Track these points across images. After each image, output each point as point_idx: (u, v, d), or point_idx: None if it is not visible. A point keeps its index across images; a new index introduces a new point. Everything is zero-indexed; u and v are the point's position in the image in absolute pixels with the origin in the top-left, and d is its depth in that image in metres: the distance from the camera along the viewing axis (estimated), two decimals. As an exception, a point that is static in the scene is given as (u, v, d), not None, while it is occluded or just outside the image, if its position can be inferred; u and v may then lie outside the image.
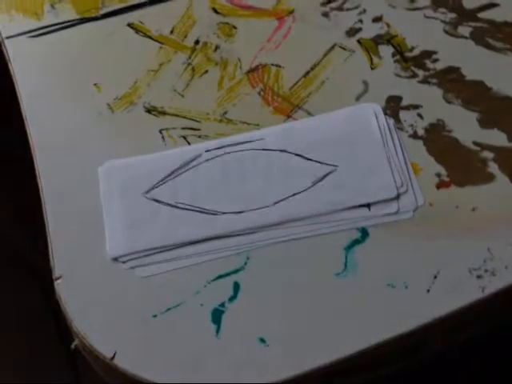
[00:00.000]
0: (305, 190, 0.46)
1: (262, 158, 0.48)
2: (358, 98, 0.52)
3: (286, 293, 0.43)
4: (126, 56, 0.56)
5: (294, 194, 0.46)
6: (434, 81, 0.52)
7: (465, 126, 0.50)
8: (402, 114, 0.51)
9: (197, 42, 0.56)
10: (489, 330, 0.51)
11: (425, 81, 0.52)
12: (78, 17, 0.58)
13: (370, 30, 0.56)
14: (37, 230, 0.47)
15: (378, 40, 0.55)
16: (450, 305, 0.42)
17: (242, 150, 0.49)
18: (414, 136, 0.50)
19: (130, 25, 0.58)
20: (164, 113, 0.52)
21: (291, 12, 0.58)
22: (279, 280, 0.44)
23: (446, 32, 0.55)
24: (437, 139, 0.49)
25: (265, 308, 0.43)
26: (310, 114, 0.51)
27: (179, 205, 0.46)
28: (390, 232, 0.45)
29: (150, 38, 0.57)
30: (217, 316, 0.43)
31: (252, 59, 0.55)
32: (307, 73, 0.54)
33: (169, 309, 0.43)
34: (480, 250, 0.44)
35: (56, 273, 0.45)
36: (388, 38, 0.55)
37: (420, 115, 0.51)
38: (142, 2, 0.59)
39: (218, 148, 0.49)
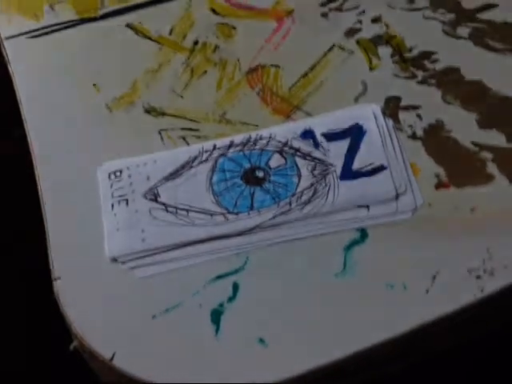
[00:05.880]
0: (304, 190, 0.46)
1: (262, 157, 0.48)
2: (356, 99, 0.52)
3: (285, 293, 0.43)
4: (125, 57, 0.56)
5: (294, 194, 0.46)
6: (433, 81, 0.52)
7: (464, 127, 0.50)
8: (401, 115, 0.51)
9: (196, 43, 0.56)
10: (488, 330, 0.51)
11: (424, 81, 0.53)
12: (77, 17, 0.58)
13: (368, 31, 0.56)
14: (36, 230, 0.47)
15: (376, 40, 0.55)
16: (448, 305, 0.42)
17: (241, 151, 0.49)
18: (413, 137, 0.50)
19: (129, 25, 0.58)
20: (163, 113, 0.52)
21: (290, 12, 0.58)
22: (278, 280, 0.44)
23: (445, 32, 0.55)
24: (436, 140, 0.49)
25: (264, 308, 0.43)
26: (308, 114, 0.51)
27: (178, 205, 0.46)
28: (388, 232, 0.45)
29: (149, 38, 0.57)
30: (216, 316, 0.43)
31: (251, 60, 0.55)
32: (306, 73, 0.54)
33: (168, 309, 0.43)
34: (479, 251, 0.44)
35: (55, 273, 0.45)
36: (387, 39, 0.55)
37: (419, 116, 0.51)
38: (141, 2, 0.59)
39: (217, 148, 0.49)
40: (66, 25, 0.58)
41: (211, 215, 0.46)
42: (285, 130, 0.50)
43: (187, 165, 0.48)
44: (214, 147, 0.49)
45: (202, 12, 0.58)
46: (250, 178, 0.47)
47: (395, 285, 0.43)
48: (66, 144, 0.51)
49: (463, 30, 0.55)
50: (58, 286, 0.44)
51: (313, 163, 0.48)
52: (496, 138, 0.49)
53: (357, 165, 0.48)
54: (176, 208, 0.46)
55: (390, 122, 0.50)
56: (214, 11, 0.58)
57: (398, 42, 0.55)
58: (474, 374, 0.67)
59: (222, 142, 0.49)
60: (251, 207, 0.46)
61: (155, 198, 0.47)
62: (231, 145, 0.49)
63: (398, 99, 0.52)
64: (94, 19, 0.58)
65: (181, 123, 0.51)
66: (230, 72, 0.54)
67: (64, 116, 0.53)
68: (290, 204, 0.46)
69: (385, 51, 0.55)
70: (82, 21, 0.58)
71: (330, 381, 0.43)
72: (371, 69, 0.54)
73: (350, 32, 0.56)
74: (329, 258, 0.44)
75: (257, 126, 0.51)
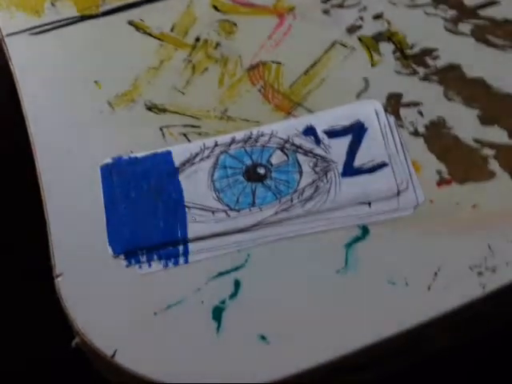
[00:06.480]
0: (305, 187, 0.46)
1: (263, 154, 0.48)
2: (358, 96, 0.52)
3: (286, 290, 0.43)
4: (127, 53, 0.56)
5: (295, 191, 0.46)
6: (435, 78, 0.52)
7: (465, 124, 0.50)
8: (403, 112, 0.51)
9: (197, 40, 0.56)
10: (490, 329, 0.51)
11: (425, 78, 0.52)
12: (78, 14, 0.58)
13: (370, 28, 0.56)
14: (36, 230, 0.47)
15: (378, 37, 0.55)
16: (450, 302, 0.42)
17: (243, 147, 0.49)
18: (415, 133, 0.50)
19: (130, 22, 0.58)
20: (164, 110, 0.52)
21: (292, 9, 0.58)
22: (280, 277, 0.44)
23: (447, 29, 0.55)
24: (437, 137, 0.49)
25: (265, 305, 0.43)
26: (310, 111, 0.51)
27: (180, 202, 0.46)
28: (390, 229, 0.45)
29: (151, 35, 0.57)
30: (217, 313, 0.43)
31: (252, 56, 0.55)
32: (307, 70, 0.54)
33: (169, 306, 0.43)
34: (481, 247, 0.44)
35: (56, 270, 0.45)
36: (388, 36, 0.55)
37: (420, 112, 0.51)
38: (142, -1, 0.59)
39: (219, 145, 0.49)
40: (67, 22, 0.58)
41: (213, 212, 0.46)
42: (286, 127, 0.50)
43: (188, 162, 0.48)
44: (216, 144, 0.49)
45: (204, 9, 0.58)
46: (252, 174, 0.47)
47: (397, 281, 0.43)
48: (68, 141, 0.51)
49: (465, 27, 0.55)
50: (59, 283, 0.44)
51: (314, 160, 0.48)
52: (498, 135, 0.49)
53: (358, 161, 0.48)
54: (178, 205, 0.46)
55: (392, 119, 0.50)
56: (215, 8, 0.58)
57: (399, 38, 0.55)
58: (474, 374, 0.67)
59: (224, 138, 0.49)
60: (253, 204, 0.46)
61: (157, 195, 0.47)
62: (232, 141, 0.49)
63: (399, 96, 0.51)
64: (95, 16, 0.58)
65: (182, 120, 0.51)
66: (232, 69, 0.54)
67: (65, 113, 0.52)
68: (292, 201, 0.46)
69: (386, 48, 0.54)
70: (83, 18, 0.58)
71: (332, 377, 0.43)
72: (373, 65, 0.54)
73: (352, 29, 0.56)
74: (330, 255, 0.44)
75: (258, 122, 0.51)
